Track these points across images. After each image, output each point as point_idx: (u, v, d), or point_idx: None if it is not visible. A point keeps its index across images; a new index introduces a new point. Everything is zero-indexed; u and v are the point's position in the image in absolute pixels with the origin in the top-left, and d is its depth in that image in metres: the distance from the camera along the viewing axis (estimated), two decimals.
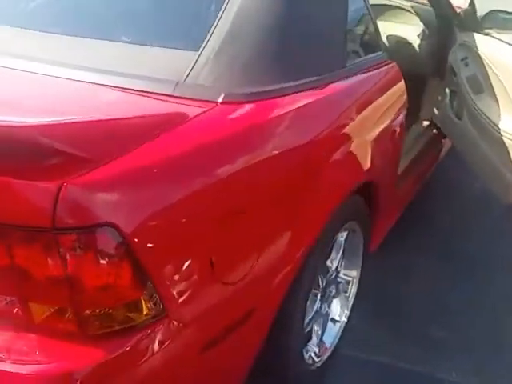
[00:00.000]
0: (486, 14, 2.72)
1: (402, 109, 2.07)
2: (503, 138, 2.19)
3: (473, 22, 2.70)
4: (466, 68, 2.61)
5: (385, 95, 1.93)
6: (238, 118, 1.33)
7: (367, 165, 1.76)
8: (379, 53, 2.02)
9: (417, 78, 3.16)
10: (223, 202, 1.21)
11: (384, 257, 2.38)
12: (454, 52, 2.76)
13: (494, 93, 2.31)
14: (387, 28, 3.07)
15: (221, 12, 1.49)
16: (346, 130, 1.65)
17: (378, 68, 1.93)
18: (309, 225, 1.49)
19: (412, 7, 3.00)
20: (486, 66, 2.39)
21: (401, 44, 3.02)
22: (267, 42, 1.49)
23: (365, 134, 1.78)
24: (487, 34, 2.56)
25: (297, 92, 1.51)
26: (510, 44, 2.31)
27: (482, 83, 2.43)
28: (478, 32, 2.62)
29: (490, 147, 2.30)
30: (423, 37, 2.94)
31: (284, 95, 1.47)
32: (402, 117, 2.07)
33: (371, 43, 2.03)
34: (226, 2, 1.52)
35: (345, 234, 1.83)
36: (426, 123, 3.21)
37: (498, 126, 2.22)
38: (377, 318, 2.20)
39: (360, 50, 1.93)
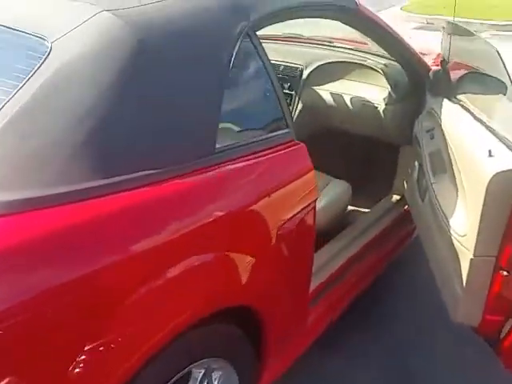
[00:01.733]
0: (463, 76, 2.27)
1: (307, 204, 1.60)
2: (453, 239, 1.70)
3: (444, 84, 2.25)
4: (430, 142, 2.15)
5: (281, 187, 1.48)
6: None
7: (237, 283, 1.31)
8: (282, 131, 1.58)
9: (388, 145, 2.73)
10: None
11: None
12: (420, 121, 2.31)
13: (452, 180, 1.84)
14: (352, 88, 2.66)
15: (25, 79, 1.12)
16: (197, 237, 1.23)
17: (275, 151, 1.49)
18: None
19: (385, 66, 2.57)
20: (448, 143, 1.93)
21: (367, 108, 2.59)
22: (75, 126, 1.09)
23: (237, 242, 1.35)
24: (459, 102, 2.10)
25: (118, 192, 1.09)
26: (478, 119, 1.84)
27: (443, 164, 1.96)
28: (449, 98, 2.17)
29: (443, 245, 1.81)
30: (389, 100, 2.50)
31: (93, 198, 1.06)
32: (307, 214, 1.61)
33: (268, 119, 1.60)
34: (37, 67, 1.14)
35: (202, 371, 1.36)
36: (396, 197, 2.75)
37: (449, 223, 1.74)
38: None
39: (247, 129, 1.50)
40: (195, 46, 1.35)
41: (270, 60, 1.59)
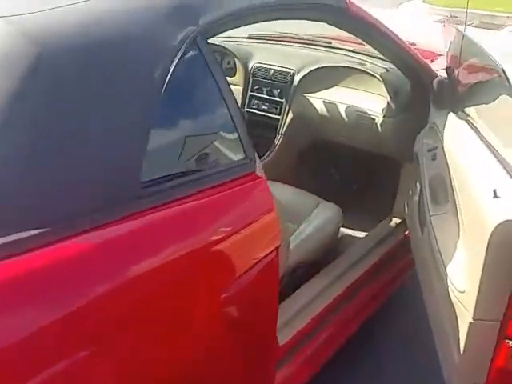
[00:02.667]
0: (473, 86, 1.95)
1: (267, 253, 1.30)
2: (451, 293, 1.39)
3: (450, 96, 1.92)
4: (432, 163, 1.83)
5: (231, 234, 1.18)
6: None
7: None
8: (237, 163, 1.27)
9: (388, 160, 2.41)
10: None
11: None
12: (421, 137, 1.99)
13: (453, 216, 1.53)
14: (348, 96, 2.35)
15: None
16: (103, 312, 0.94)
17: (226, 189, 1.19)
18: None
19: (385, 71, 2.25)
20: (450, 169, 1.62)
21: (363, 119, 2.28)
22: None
23: (165, 313, 1.05)
24: (466, 117, 1.78)
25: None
26: (486, 142, 1.52)
27: (445, 193, 1.65)
28: (455, 112, 1.85)
29: (440, 296, 1.50)
30: (388, 112, 2.19)
31: None
32: (268, 266, 1.30)
33: (220, 149, 1.30)
34: None
35: None
36: (396, 221, 2.43)
37: (446, 272, 1.43)
38: None
39: (190, 163, 1.19)
40: (114, 59, 1.06)
41: (225, 75, 1.29)
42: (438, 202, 1.71)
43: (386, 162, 2.45)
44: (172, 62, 1.12)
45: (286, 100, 2.49)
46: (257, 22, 1.49)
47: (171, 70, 1.11)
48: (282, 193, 2.26)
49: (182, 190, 1.11)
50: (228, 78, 2.62)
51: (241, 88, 2.62)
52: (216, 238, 1.15)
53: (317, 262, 2.02)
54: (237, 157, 1.28)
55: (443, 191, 1.67)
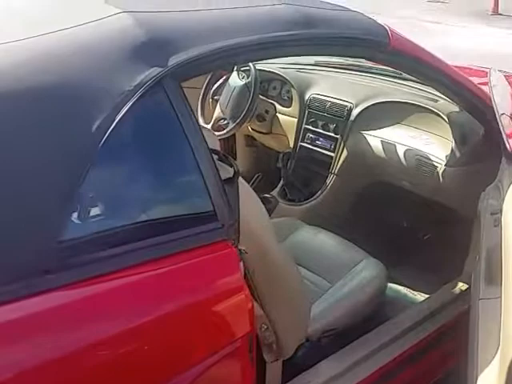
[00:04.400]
0: None
1: (233, 341, 1.07)
2: None
3: None
4: (493, 230, 1.50)
5: (182, 318, 0.97)
6: None
7: None
8: (204, 228, 1.04)
9: (452, 214, 2.07)
10: None
11: None
12: (485, 196, 1.65)
13: (504, 300, 1.19)
14: (409, 137, 2.05)
15: None
16: None
17: (182, 260, 0.98)
18: None
19: (455, 112, 1.92)
20: (506, 246, 1.29)
21: (423, 165, 1.96)
22: None
23: None
24: None
25: None
26: None
27: (499, 273, 1.32)
28: None
29: None
30: (452, 160, 1.86)
31: None
32: (233, 359, 1.08)
33: (181, 210, 1.07)
34: None
35: None
36: (463, 286, 2.07)
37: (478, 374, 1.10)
38: None
39: (138, 227, 0.98)
40: (37, 111, 0.89)
41: (197, 124, 1.08)
42: (492, 281, 1.38)
43: (458, 214, 2.12)
44: (119, 110, 0.94)
45: (342, 136, 2.23)
46: (270, 58, 1.29)
47: (116, 120, 0.93)
48: (323, 242, 2.02)
49: (118, 262, 0.92)
50: (283, 109, 2.51)
51: (295, 120, 2.41)
52: (158, 323, 0.95)
53: (349, 330, 1.74)
54: (203, 220, 1.06)
55: (497, 270, 1.35)
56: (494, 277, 1.36)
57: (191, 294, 1.01)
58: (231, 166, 1.25)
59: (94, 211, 0.94)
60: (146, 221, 1.00)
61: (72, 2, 1.21)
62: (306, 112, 2.36)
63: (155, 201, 1.04)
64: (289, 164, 2.41)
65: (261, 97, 2.49)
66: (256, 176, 2.10)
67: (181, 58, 1.04)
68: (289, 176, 2.38)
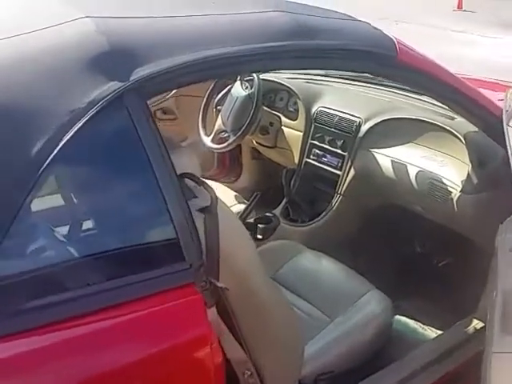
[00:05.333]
0: None
1: None
2: None
3: None
4: (510, 271, 1.33)
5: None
6: None
7: None
8: (169, 270, 0.90)
9: (468, 244, 1.89)
10: None
11: None
12: (504, 229, 1.47)
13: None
14: (422, 158, 1.87)
15: None
16: None
17: (142, 308, 0.83)
18: None
19: (472, 133, 1.73)
20: None
21: (436, 189, 1.79)
22: None
23: None
24: None
25: None
26: None
27: None
28: None
29: None
30: (468, 186, 1.68)
31: None
32: None
33: (142, 249, 0.92)
34: None
35: None
36: (479, 324, 1.87)
37: None
38: None
39: (90, 270, 0.84)
40: None
41: (163, 144, 0.93)
42: (509, 330, 1.21)
43: (475, 243, 1.93)
44: (65, 131, 0.80)
45: (349, 153, 2.06)
46: (258, 72, 1.14)
47: (62, 143, 0.79)
48: (325, 270, 1.84)
49: (67, 310, 0.78)
50: (289, 122, 2.36)
51: (301, 134, 2.25)
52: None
53: (348, 373, 1.57)
54: (166, 260, 0.91)
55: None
56: (510, 326, 1.19)
57: (143, 349, 0.86)
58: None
59: (32, 249, 0.81)
60: (93, 262, 0.86)
61: (34, 5, 1.08)
62: (313, 126, 2.20)
63: (108, 237, 0.89)
64: (293, 181, 2.25)
65: (266, 108, 2.34)
66: (255, 195, 1.95)
67: (146, 71, 0.89)
68: (292, 194, 2.22)
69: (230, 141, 2.20)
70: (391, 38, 1.31)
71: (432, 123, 1.88)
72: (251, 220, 2.15)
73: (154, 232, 0.94)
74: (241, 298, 1.15)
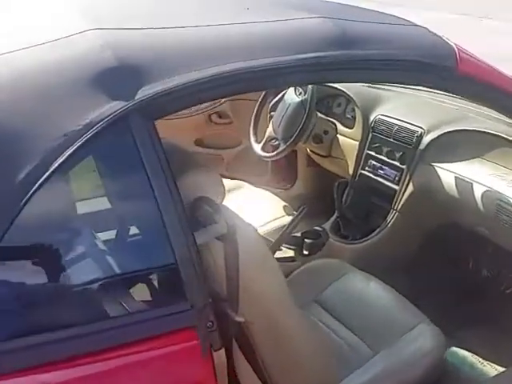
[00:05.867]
0: None
1: None
2: None
3: None
4: None
5: None
6: None
7: None
8: (167, 311, 0.79)
9: None
10: None
11: None
12: None
13: None
14: (490, 175, 1.68)
15: None
16: None
17: (133, 352, 0.73)
18: None
19: None
20: None
21: (504, 212, 1.58)
22: None
23: None
24: None
25: None
26: None
27: None
28: None
29: None
30: None
31: None
32: None
33: (139, 288, 0.81)
34: None
35: None
36: None
37: None
38: None
39: (72, 315, 0.75)
40: None
41: (167, 168, 0.83)
42: None
43: None
44: (56, 156, 0.71)
45: (408, 167, 1.89)
46: (288, 86, 1.02)
47: (51, 169, 0.70)
48: (373, 296, 1.69)
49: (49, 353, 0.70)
50: (345, 130, 2.20)
51: (357, 143, 2.09)
52: None
53: None
54: (165, 300, 0.80)
55: None
56: None
57: None
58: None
59: (19, 290, 0.73)
60: (87, 301, 0.77)
61: (38, 15, 1.01)
62: (370, 135, 2.04)
63: (103, 273, 0.81)
64: (345, 194, 2.10)
65: (322, 115, 2.21)
66: (302, 208, 1.83)
67: (153, 90, 0.80)
68: (343, 208, 2.07)
69: (280, 149, 2.09)
70: (451, 45, 1.15)
71: (502, 137, 1.68)
72: (298, 234, 2.04)
73: (152, 268, 0.85)
74: (264, 331, 1.05)
